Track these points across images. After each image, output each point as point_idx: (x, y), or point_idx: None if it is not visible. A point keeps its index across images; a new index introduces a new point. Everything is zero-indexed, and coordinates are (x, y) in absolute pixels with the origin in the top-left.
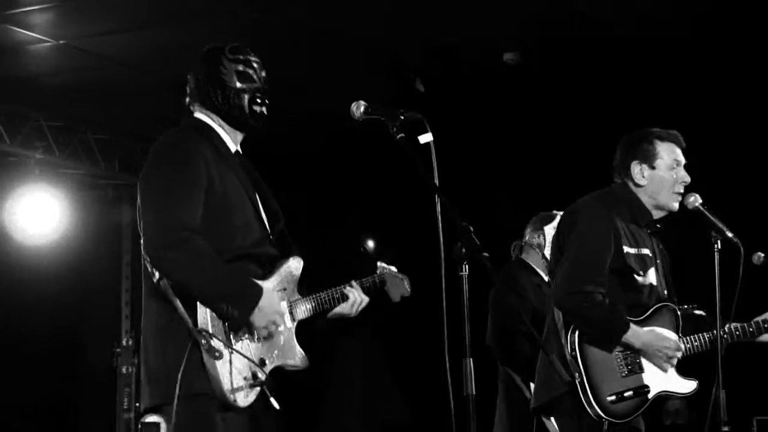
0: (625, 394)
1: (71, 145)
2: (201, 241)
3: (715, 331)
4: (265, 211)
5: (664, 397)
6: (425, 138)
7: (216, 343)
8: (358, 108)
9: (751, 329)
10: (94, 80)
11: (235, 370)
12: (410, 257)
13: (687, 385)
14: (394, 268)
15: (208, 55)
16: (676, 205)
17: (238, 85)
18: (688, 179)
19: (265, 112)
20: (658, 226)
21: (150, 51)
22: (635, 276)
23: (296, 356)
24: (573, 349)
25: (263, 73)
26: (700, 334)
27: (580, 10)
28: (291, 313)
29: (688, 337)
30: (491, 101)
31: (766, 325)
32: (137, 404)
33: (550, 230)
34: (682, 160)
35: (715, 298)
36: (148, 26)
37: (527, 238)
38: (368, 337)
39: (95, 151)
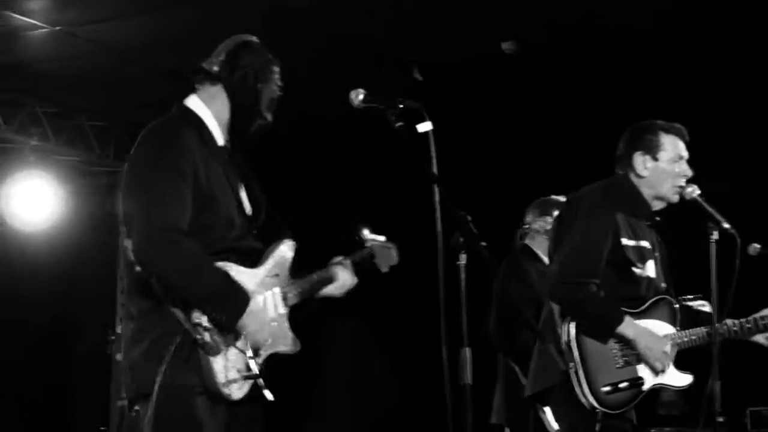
0: (620, 385)
1: (66, 132)
2: (190, 242)
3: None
4: (249, 203)
5: (659, 388)
6: (424, 127)
7: (212, 337)
8: (357, 96)
9: (748, 326)
10: (90, 67)
11: (229, 363)
12: (408, 246)
13: (682, 379)
14: (382, 238)
15: (257, 48)
16: (676, 198)
17: (273, 90)
18: (690, 173)
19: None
20: (657, 218)
21: (146, 38)
22: (633, 268)
23: (288, 341)
24: (569, 339)
25: None
26: (697, 328)
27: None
28: (284, 298)
29: (686, 331)
30: (489, 90)
31: (763, 323)
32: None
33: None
34: (685, 154)
35: (711, 289)
36: (145, 13)
37: (532, 223)
38: (363, 325)
39: (90, 137)
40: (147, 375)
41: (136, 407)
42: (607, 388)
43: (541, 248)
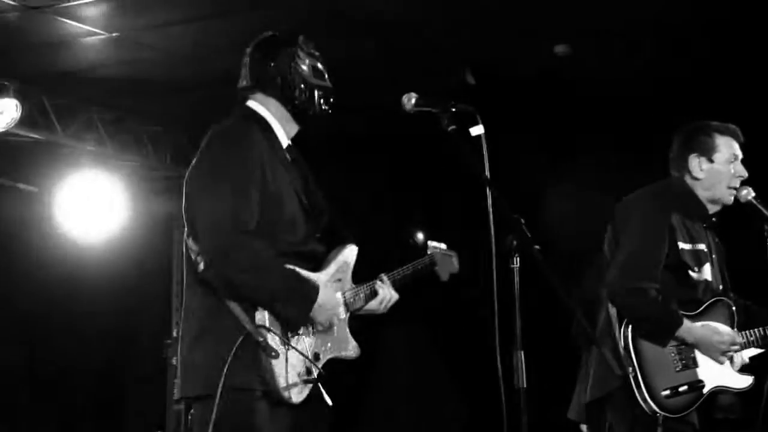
0: (680, 389)
1: (123, 138)
2: (258, 241)
3: None
4: (311, 207)
5: (718, 391)
6: (476, 130)
7: (274, 340)
8: (410, 100)
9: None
10: (145, 73)
11: (290, 366)
12: (462, 250)
13: (743, 380)
14: (443, 245)
15: (281, 42)
16: (731, 199)
17: (314, 80)
18: (745, 174)
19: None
20: (713, 220)
21: (202, 43)
22: (690, 272)
23: (349, 346)
24: (626, 344)
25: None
26: (757, 329)
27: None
28: (345, 303)
29: (744, 332)
30: (543, 94)
31: None
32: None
33: None
34: (740, 155)
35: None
36: (201, 19)
37: None
38: (418, 330)
39: (146, 142)
40: (208, 376)
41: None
42: (667, 392)
43: None
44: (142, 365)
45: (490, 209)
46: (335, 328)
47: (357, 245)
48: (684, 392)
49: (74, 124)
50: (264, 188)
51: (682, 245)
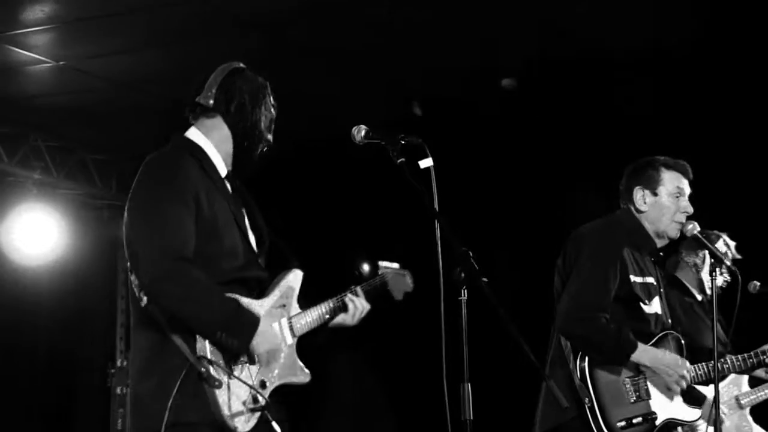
0: (634, 420)
1: (69, 166)
2: (196, 270)
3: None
4: (253, 233)
5: (670, 424)
6: (426, 163)
7: (216, 370)
8: (359, 132)
9: (751, 360)
10: (92, 101)
11: (234, 396)
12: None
13: (692, 413)
14: (396, 265)
15: (258, 81)
16: (676, 234)
17: (266, 131)
18: (690, 210)
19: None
20: (661, 254)
21: (148, 72)
22: (641, 304)
23: (297, 372)
24: (583, 375)
25: None
26: (702, 364)
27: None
28: (291, 329)
29: (692, 366)
30: (489, 126)
31: (764, 357)
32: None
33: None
34: (687, 190)
35: (714, 324)
36: (147, 48)
37: (683, 255)
38: (364, 359)
39: (92, 171)
40: (154, 412)
41: None
42: (623, 423)
43: (688, 281)
44: (86, 395)
45: (439, 242)
46: (282, 354)
47: (301, 270)
48: (638, 424)
49: (20, 153)
50: (199, 217)
51: (633, 278)
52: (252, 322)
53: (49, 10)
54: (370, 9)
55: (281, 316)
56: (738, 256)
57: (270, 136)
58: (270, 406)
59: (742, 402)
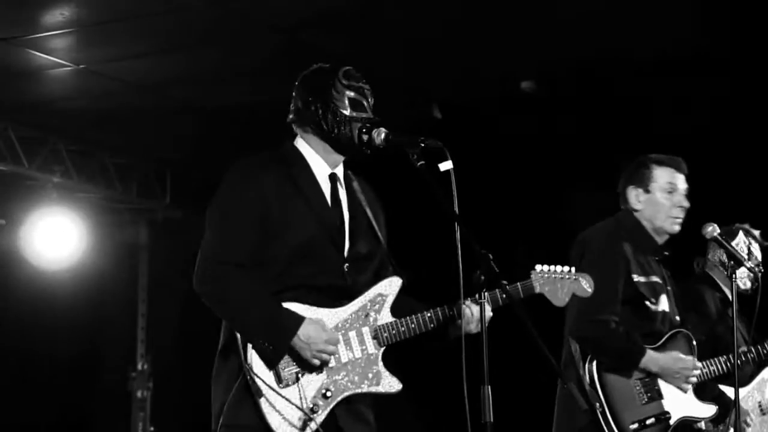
0: (647, 422)
1: (89, 169)
2: (242, 274)
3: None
4: (351, 238)
5: (686, 422)
6: (445, 166)
7: (258, 383)
8: (379, 135)
9: (765, 351)
10: (112, 105)
11: (282, 412)
12: (430, 284)
13: (707, 410)
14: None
15: (318, 76)
16: (676, 228)
17: (350, 112)
18: (686, 204)
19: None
20: (666, 254)
21: (168, 76)
22: (647, 304)
23: (382, 381)
24: (592, 379)
25: (372, 101)
26: (715, 358)
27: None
28: (376, 338)
29: (704, 362)
30: (510, 129)
31: None
32: (152, 428)
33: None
34: (681, 185)
35: (734, 323)
36: (167, 51)
37: (710, 255)
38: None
39: (113, 175)
40: (214, 412)
41: None
42: (635, 425)
43: (720, 278)
44: (106, 398)
45: (459, 244)
46: (356, 363)
47: (400, 278)
48: (651, 425)
49: (40, 156)
50: (266, 221)
51: (637, 278)
52: (289, 325)
53: (68, 13)
54: (388, 14)
55: (364, 324)
56: (766, 243)
57: (363, 114)
58: (329, 426)
59: (765, 408)
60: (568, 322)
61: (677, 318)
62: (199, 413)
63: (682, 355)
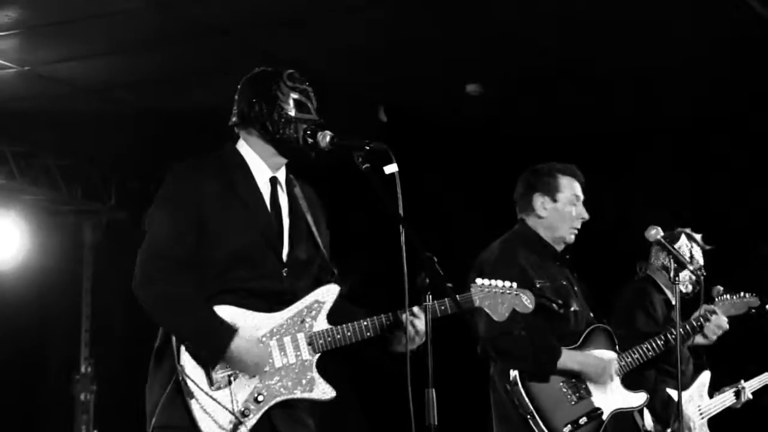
0: (580, 422)
1: (33, 171)
2: (177, 276)
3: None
4: (290, 243)
5: (618, 415)
6: (390, 168)
7: (190, 384)
8: (324, 138)
9: (688, 327)
10: (57, 107)
11: (212, 415)
12: (374, 287)
13: (637, 398)
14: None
15: (263, 78)
16: (572, 238)
17: (295, 113)
18: (585, 215)
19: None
20: (567, 257)
21: (113, 78)
22: (555, 306)
23: (314, 388)
24: (517, 390)
25: (316, 103)
26: (631, 350)
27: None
28: (311, 344)
29: (626, 352)
30: (454, 132)
31: (697, 324)
32: (95, 431)
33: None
34: (581, 196)
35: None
36: (112, 53)
37: (652, 258)
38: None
39: (57, 176)
40: (147, 412)
41: None
42: (568, 428)
43: (662, 281)
44: (49, 401)
45: (403, 247)
46: (289, 369)
47: (338, 284)
48: (585, 424)
49: None
50: (204, 229)
51: (541, 283)
52: (223, 336)
53: (13, 14)
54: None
55: (299, 330)
56: (707, 247)
57: (308, 116)
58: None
59: (703, 412)
60: (479, 341)
61: (591, 314)
62: (143, 416)
63: (601, 349)
